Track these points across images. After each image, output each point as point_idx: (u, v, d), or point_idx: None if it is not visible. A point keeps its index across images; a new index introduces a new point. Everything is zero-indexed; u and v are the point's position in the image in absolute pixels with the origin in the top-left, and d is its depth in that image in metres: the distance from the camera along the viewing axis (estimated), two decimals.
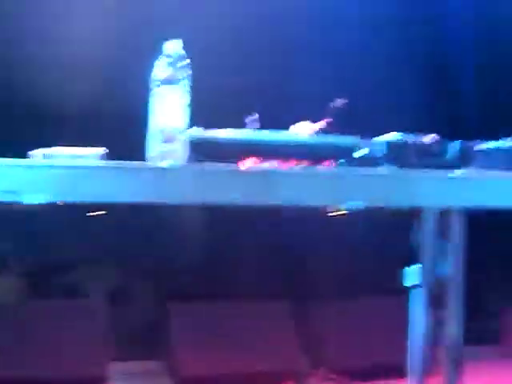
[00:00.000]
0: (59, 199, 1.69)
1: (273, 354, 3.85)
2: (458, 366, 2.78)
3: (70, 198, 1.72)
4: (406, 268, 2.87)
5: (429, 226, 2.80)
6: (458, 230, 2.76)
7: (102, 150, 2.03)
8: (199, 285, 4.17)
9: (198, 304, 4.03)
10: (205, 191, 1.81)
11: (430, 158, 2.05)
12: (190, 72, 1.87)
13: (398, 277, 3.72)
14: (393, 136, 2.10)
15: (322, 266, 4.28)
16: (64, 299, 3.79)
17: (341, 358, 3.93)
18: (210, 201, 1.84)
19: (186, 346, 3.83)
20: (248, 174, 1.84)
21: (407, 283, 2.87)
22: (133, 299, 4.07)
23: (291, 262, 4.32)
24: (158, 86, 1.86)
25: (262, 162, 1.98)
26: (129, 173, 1.76)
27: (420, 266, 2.83)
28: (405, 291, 4.01)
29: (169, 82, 1.86)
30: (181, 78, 1.86)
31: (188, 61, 1.88)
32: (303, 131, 2.12)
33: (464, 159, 2.10)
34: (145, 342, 4.09)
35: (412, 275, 2.85)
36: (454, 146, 2.09)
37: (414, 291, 2.85)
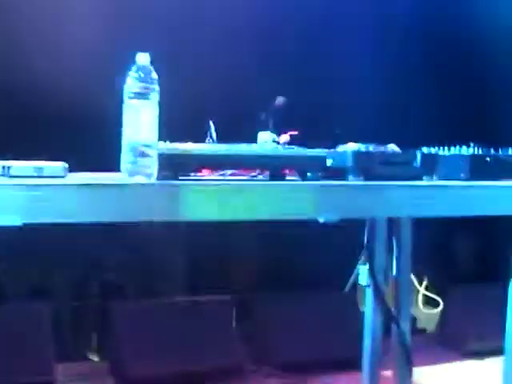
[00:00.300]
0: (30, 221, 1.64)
1: (217, 351, 3.85)
2: (408, 359, 2.87)
3: (41, 219, 1.67)
4: (359, 267, 2.93)
5: (380, 228, 2.87)
6: (406, 233, 2.84)
7: (61, 164, 2.00)
8: (141, 284, 4.12)
9: (140, 303, 3.98)
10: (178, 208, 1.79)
11: (395, 168, 2.08)
12: (158, 87, 1.85)
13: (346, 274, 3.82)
14: (355, 146, 2.12)
15: (265, 260, 4.29)
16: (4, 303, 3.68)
17: (286, 353, 3.96)
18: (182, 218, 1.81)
19: (130, 346, 3.78)
20: (221, 189, 1.82)
21: (360, 282, 2.94)
22: (76, 300, 4.00)
23: (233, 258, 4.31)
24: (130, 98, 1.83)
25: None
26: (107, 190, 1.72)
27: (371, 266, 2.90)
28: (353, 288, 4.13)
29: (139, 95, 1.83)
30: (151, 91, 1.83)
31: (156, 76, 1.85)
32: (269, 143, 2.13)
33: (427, 168, 2.15)
34: (89, 342, 4.03)
35: (364, 274, 2.91)
36: (418, 155, 2.12)
37: (366, 289, 2.92)
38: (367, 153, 2.05)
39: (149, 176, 1.83)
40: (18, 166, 1.92)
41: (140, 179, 1.82)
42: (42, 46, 3.59)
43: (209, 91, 3.72)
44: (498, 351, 2.73)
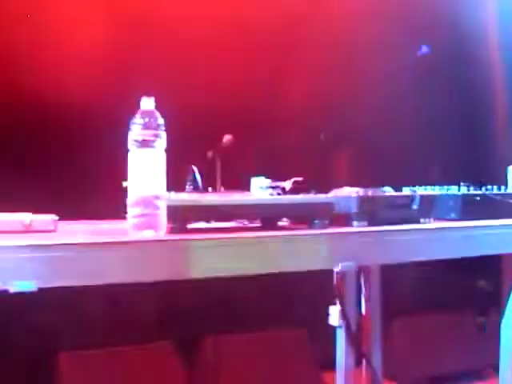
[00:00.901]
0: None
1: None
2: None
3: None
4: (330, 308, 2.89)
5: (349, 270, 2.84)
6: (375, 274, 2.83)
7: (50, 217, 1.86)
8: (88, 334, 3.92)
9: (87, 353, 3.78)
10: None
11: (396, 212, 2.04)
12: (164, 133, 1.74)
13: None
14: (352, 190, 2.07)
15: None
16: None
17: None
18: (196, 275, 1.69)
19: None
20: (235, 243, 1.73)
21: (332, 322, 2.89)
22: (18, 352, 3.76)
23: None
24: (135, 147, 1.71)
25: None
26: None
27: (342, 306, 2.86)
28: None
29: (145, 143, 1.71)
30: (157, 139, 1.72)
31: (162, 121, 1.74)
32: (265, 190, 2.05)
33: (423, 209, 2.12)
34: None
35: (335, 315, 2.87)
36: (417, 197, 2.09)
37: (338, 330, 2.88)
38: (372, 197, 2.00)
39: (158, 229, 1.71)
40: (2, 220, 1.79)
41: (149, 234, 1.70)
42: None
43: None
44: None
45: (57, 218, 1.84)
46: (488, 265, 4.16)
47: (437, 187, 2.28)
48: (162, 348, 3.91)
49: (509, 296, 2.21)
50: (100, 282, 1.58)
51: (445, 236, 2.04)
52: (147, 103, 1.73)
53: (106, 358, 3.75)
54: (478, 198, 2.21)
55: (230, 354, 3.94)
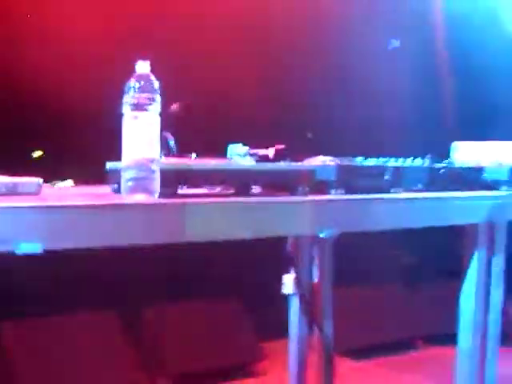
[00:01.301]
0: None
1: (110, 368, 3.70)
2: (330, 359, 2.93)
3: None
4: (284, 277, 2.94)
5: (303, 240, 2.90)
6: (328, 244, 2.89)
7: (36, 180, 1.83)
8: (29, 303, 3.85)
9: (31, 323, 3.73)
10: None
11: (371, 181, 2.11)
12: (159, 97, 1.73)
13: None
14: (325, 159, 2.12)
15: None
16: None
17: (183, 363, 3.88)
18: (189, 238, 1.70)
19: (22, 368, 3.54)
20: (228, 206, 1.75)
21: (285, 291, 2.95)
22: None
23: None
24: (129, 110, 1.70)
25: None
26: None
27: (297, 275, 2.92)
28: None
29: (140, 106, 1.71)
30: (152, 102, 1.72)
31: (157, 85, 1.73)
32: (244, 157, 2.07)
33: (395, 180, 2.19)
34: None
35: (290, 284, 2.93)
36: (389, 168, 2.16)
37: (292, 298, 2.95)
38: (350, 166, 2.05)
39: (152, 193, 1.71)
40: None
41: (141, 197, 1.70)
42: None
43: None
44: None
45: (41, 181, 1.81)
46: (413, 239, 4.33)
47: (400, 159, 2.35)
48: (104, 317, 3.89)
49: (466, 269, 2.31)
50: (101, 245, 1.57)
51: (415, 205, 2.12)
52: (143, 67, 1.72)
53: (47, 327, 3.71)
54: (443, 171, 2.30)
55: (170, 324, 3.97)
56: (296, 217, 1.82)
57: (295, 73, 4.30)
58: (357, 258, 4.39)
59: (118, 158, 1.75)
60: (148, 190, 1.71)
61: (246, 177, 1.84)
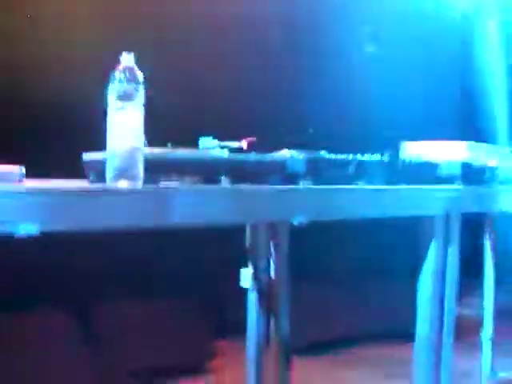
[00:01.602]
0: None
1: (60, 366, 3.69)
2: (287, 352, 3.00)
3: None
4: (242, 271, 3.01)
5: (261, 233, 2.98)
6: (284, 237, 2.98)
7: (17, 169, 1.87)
8: None
9: None
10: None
11: (337, 173, 2.21)
12: (143, 89, 1.79)
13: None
14: (288, 153, 2.21)
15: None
16: None
17: (133, 361, 3.90)
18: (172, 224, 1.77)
19: None
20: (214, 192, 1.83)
21: (243, 285, 3.01)
22: None
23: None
24: (114, 100, 1.76)
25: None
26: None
27: (255, 269, 2.99)
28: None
29: (124, 97, 1.76)
30: (136, 93, 1.78)
31: (141, 77, 1.79)
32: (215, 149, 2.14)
33: (358, 173, 2.30)
34: None
35: (247, 278, 3.00)
36: (354, 161, 2.26)
37: (250, 292, 3.01)
38: (318, 158, 2.15)
39: (136, 181, 1.77)
40: None
41: (125, 184, 1.76)
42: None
43: None
44: None
45: (24, 170, 1.84)
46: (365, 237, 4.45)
47: (358, 154, 2.46)
48: (57, 314, 3.88)
49: (423, 261, 2.44)
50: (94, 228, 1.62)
51: (377, 196, 2.23)
52: (127, 59, 1.78)
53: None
54: (402, 165, 2.42)
55: (122, 322, 3.98)
56: (268, 205, 1.91)
57: (268, 69, 4.39)
58: (309, 254, 4.49)
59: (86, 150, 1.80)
60: (133, 178, 1.76)
61: (217, 167, 1.92)
